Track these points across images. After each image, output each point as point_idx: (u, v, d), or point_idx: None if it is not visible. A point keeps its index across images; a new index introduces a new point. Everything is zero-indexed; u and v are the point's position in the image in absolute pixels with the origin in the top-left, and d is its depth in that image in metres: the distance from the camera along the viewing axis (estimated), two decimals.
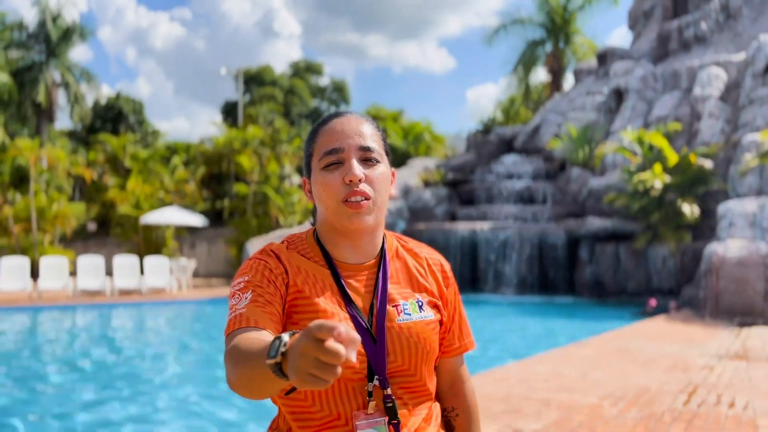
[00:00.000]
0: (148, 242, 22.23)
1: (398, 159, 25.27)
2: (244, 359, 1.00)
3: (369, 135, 1.30)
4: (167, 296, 15.25)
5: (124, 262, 15.69)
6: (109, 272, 17.57)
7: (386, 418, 1.22)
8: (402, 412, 1.26)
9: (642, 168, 14.33)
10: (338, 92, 44.58)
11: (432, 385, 1.33)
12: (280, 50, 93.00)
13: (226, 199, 25.78)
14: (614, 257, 14.93)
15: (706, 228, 13.70)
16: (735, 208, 11.68)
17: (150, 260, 16.23)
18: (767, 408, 4.62)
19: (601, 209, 15.37)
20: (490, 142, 20.23)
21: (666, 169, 13.94)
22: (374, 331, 1.23)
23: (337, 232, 1.29)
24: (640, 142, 14.45)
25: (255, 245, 19.13)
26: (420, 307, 1.30)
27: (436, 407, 1.36)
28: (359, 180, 1.24)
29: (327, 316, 1.21)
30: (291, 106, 39.91)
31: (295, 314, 1.23)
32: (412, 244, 1.42)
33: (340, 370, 0.81)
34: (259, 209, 23.43)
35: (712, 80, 15.47)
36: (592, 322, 11.18)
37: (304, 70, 43.30)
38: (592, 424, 4.06)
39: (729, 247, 10.60)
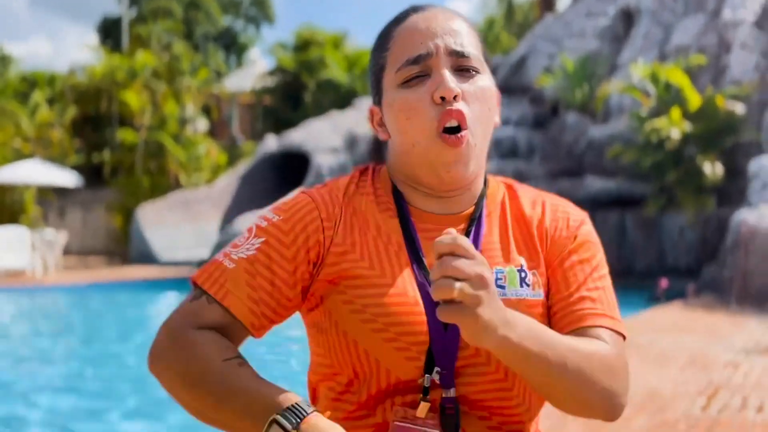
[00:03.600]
0: (1, 208, 21.71)
1: (341, 97, 25.15)
2: (226, 400, 1.07)
3: (465, 34, 1.19)
4: (28, 281, 15.06)
5: None
6: None
7: None
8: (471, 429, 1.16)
9: (656, 113, 14.65)
10: (258, 7, 43.90)
11: (531, 403, 1.25)
12: None
13: (106, 150, 25.24)
14: (619, 228, 15.31)
15: (734, 191, 14.13)
16: None
17: (4, 232, 15.92)
18: None
19: (604, 166, 15.68)
20: None
21: (686, 115, 14.31)
22: None
23: (419, 178, 1.22)
24: (654, 79, 14.74)
25: (147, 213, 18.84)
26: (522, 281, 1.20)
27: None
28: (454, 96, 1.14)
29: (385, 287, 1.17)
30: (194, 25, 39.08)
31: (343, 281, 1.19)
32: (530, 193, 1.35)
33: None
34: (153, 164, 23.08)
35: (747, 0, 15.86)
36: None
37: None
38: None
39: (763, 214, 11.00)
